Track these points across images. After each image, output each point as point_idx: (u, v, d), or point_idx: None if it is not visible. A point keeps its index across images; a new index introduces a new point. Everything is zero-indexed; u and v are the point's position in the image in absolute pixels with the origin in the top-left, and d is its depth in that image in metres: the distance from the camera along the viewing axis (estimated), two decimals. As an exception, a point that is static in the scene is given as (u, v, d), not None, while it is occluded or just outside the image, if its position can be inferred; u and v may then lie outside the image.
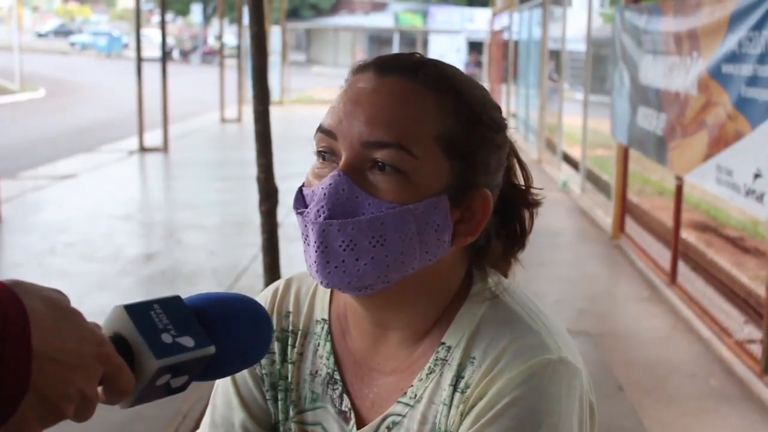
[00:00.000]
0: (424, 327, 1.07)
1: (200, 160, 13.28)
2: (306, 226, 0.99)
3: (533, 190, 1.12)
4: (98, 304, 5.39)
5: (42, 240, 7.52)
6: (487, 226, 1.05)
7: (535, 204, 1.12)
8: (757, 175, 4.09)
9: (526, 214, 1.12)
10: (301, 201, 1.03)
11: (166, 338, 0.81)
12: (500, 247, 1.12)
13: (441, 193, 0.99)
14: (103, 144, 14.10)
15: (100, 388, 0.77)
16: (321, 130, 1.02)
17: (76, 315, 0.74)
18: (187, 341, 0.82)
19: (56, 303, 0.73)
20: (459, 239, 1.03)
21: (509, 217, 1.11)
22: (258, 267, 3.95)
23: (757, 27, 4.17)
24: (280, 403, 1.16)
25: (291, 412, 1.15)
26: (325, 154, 1.02)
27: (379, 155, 0.97)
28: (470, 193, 1.02)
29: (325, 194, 0.97)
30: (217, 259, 7.08)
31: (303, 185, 1.04)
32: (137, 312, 0.81)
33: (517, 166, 1.12)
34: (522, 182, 1.12)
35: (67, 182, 10.59)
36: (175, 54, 46.52)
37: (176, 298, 0.86)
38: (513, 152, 1.11)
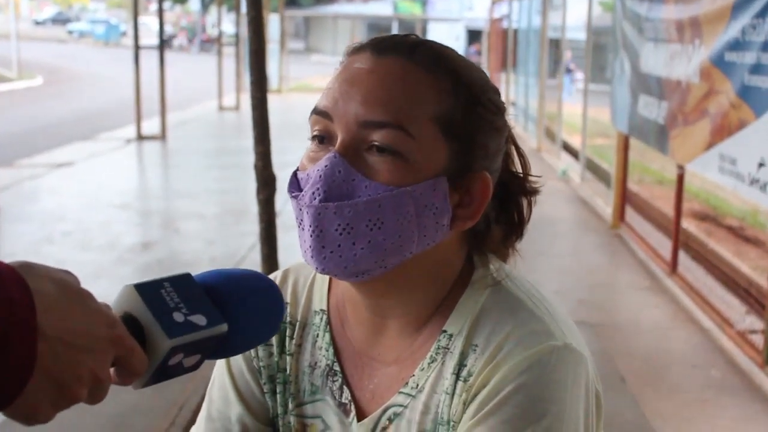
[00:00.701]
0: (424, 315, 1.05)
1: (198, 149, 13.24)
2: (301, 209, 0.97)
3: (531, 178, 1.10)
4: (95, 293, 5.30)
5: (39, 228, 7.48)
6: (486, 210, 1.03)
7: (534, 192, 1.10)
8: (761, 165, 4.05)
9: (525, 203, 1.10)
10: (295, 185, 1.00)
11: (178, 317, 0.79)
12: (500, 232, 1.09)
13: (439, 175, 0.97)
14: (100, 132, 14.07)
15: (112, 369, 0.76)
16: (316, 111, 1.00)
17: (87, 296, 0.74)
18: (199, 319, 0.81)
19: (66, 284, 0.72)
20: (458, 223, 1.01)
21: (507, 205, 1.09)
22: (257, 256, 3.92)
23: (761, 14, 4.12)
24: (278, 396, 1.14)
25: (290, 405, 1.13)
26: (321, 137, 0.99)
27: (376, 136, 0.95)
28: (469, 176, 1.00)
29: (320, 176, 0.95)
30: (215, 248, 7.05)
31: (297, 169, 1.01)
32: (148, 291, 0.80)
33: (515, 154, 1.10)
34: (520, 170, 1.10)
35: (64, 170, 10.55)
36: (182, 41, 46.33)
37: (186, 276, 0.84)
38: (511, 139, 1.08)
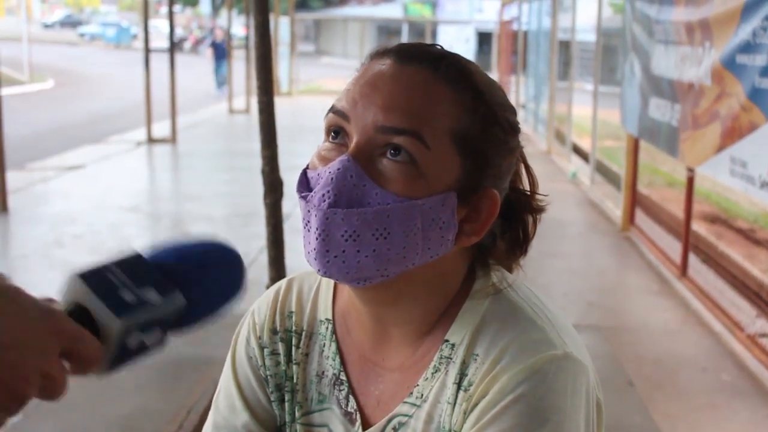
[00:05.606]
0: (426, 324, 1.05)
1: (208, 151, 13.26)
2: (309, 211, 0.97)
3: (538, 197, 1.10)
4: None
5: (49, 231, 7.50)
6: (491, 227, 1.03)
7: (540, 210, 1.10)
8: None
9: (530, 220, 1.10)
10: (305, 184, 1.00)
11: (127, 295, 0.76)
12: (504, 247, 1.10)
13: (450, 189, 0.97)
14: (111, 135, 14.10)
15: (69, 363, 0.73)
16: (333, 111, 1.00)
17: (15, 292, 0.70)
18: (150, 295, 0.77)
19: None
20: (462, 239, 1.01)
21: (512, 221, 1.09)
22: (266, 258, 3.92)
23: (772, 16, 4.10)
24: (286, 404, 1.14)
25: (297, 414, 1.13)
26: (335, 137, 0.99)
27: (394, 140, 0.95)
28: (478, 193, 1.00)
29: (332, 179, 0.95)
30: (224, 251, 7.03)
31: (307, 167, 1.01)
32: (93, 275, 0.76)
33: (523, 172, 1.10)
34: (527, 188, 1.11)
35: (75, 173, 10.58)
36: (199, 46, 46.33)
37: (136, 256, 0.81)
38: (522, 158, 1.09)
